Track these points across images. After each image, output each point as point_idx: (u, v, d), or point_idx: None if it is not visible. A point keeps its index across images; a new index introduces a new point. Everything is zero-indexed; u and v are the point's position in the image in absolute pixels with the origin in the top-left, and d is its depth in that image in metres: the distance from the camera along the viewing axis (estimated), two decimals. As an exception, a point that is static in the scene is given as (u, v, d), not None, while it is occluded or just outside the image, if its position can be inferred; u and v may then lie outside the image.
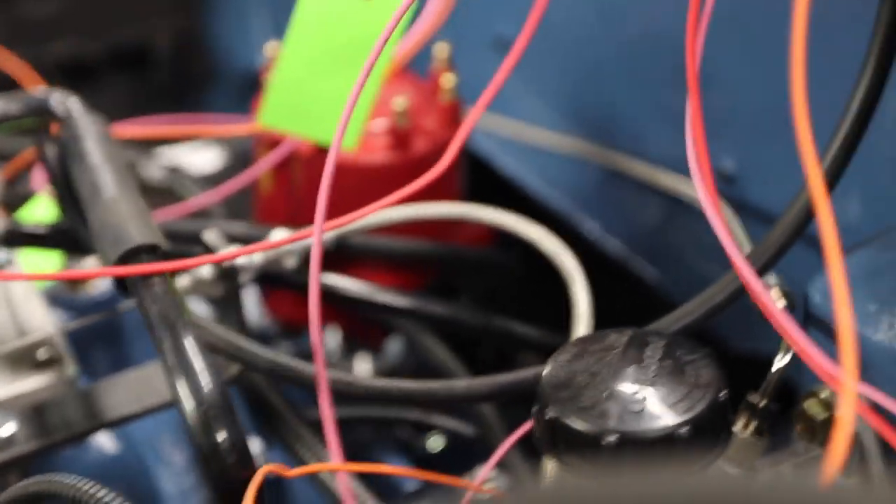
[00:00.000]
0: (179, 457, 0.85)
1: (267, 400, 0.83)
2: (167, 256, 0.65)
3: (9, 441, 0.68)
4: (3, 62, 1.04)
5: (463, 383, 0.76)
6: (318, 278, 0.65)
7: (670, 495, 0.26)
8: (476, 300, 0.92)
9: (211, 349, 0.62)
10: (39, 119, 0.78)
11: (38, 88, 0.80)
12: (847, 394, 0.44)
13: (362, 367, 0.96)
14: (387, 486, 0.84)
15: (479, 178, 1.04)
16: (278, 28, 1.33)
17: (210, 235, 0.80)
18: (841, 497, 0.25)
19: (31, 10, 1.37)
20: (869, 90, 0.60)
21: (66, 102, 0.77)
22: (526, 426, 0.77)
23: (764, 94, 0.83)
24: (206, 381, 0.59)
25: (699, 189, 0.62)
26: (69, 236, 0.78)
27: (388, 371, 0.97)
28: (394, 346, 0.96)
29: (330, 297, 0.81)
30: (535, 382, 0.61)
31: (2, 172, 0.75)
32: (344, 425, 0.66)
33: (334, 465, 0.66)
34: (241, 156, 1.14)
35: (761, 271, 0.63)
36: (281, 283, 0.86)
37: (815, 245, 0.70)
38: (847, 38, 0.60)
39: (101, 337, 0.88)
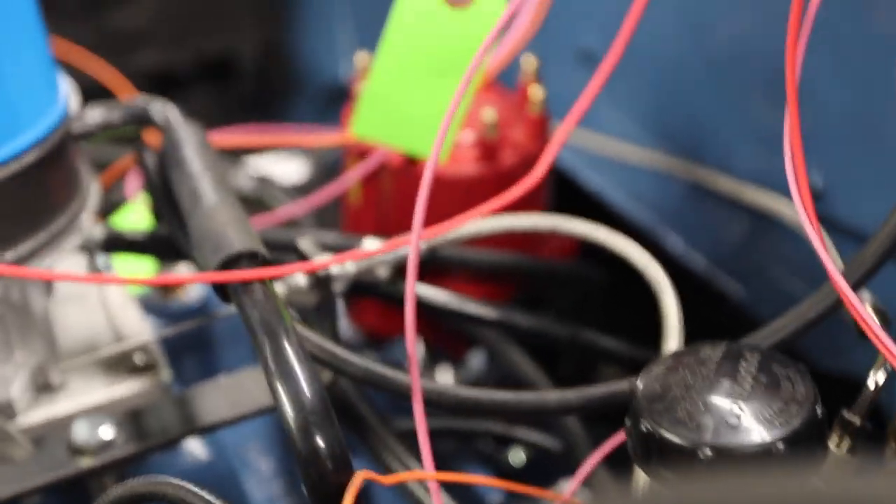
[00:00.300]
0: (266, 465, 0.85)
1: (354, 408, 0.83)
2: (267, 263, 0.66)
3: (108, 444, 0.69)
4: (94, 71, 1.06)
5: (555, 395, 0.75)
6: (413, 288, 0.66)
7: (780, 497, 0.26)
8: (561, 312, 0.92)
9: (308, 356, 0.63)
10: (138, 126, 0.80)
11: (136, 97, 0.81)
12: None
13: (444, 378, 0.97)
14: (471, 498, 0.85)
15: (563, 191, 1.04)
16: (363, 39, 1.34)
17: (305, 244, 0.80)
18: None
19: (120, 21, 1.38)
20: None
21: (165, 111, 0.78)
22: (613, 441, 0.77)
23: (854, 108, 0.82)
24: (307, 386, 0.59)
25: (797, 204, 0.62)
26: (166, 243, 0.79)
27: (470, 383, 0.97)
28: (476, 359, 0.96)
29: (419, 307, 0.82)
30: (628, 395, 0.61)
31: (102, 181, 0.76)
32: (429, 436, 0.67)
33: (427, 473, 0.66)
34: (327, 166, 1.14)
35: (856, 287, 0.63)
36: (371, 292, 0.86)
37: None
38: None
39: (191, 344, 0.89)
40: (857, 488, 0.26)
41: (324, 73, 1.42)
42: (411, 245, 0.65)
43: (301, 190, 1.06)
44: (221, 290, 0.66)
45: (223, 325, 0.88)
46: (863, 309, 0.57)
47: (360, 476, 0.58)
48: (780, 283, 0.92)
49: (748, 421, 0.58)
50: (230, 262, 0.65)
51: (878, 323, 0.61)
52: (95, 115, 0.77)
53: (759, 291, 0.94)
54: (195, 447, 0.84)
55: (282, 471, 0.86)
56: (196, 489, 0.59)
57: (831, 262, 0.58)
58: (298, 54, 1.49)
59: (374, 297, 0.89)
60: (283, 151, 1.16)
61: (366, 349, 0.97)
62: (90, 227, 0.74)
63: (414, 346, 0.66)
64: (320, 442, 0.58)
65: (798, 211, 0.62)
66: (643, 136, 1.05)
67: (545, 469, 0.88)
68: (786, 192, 0.87)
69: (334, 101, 1.40)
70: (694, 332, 0.76)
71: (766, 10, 0.89)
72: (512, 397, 0.78)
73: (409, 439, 0.79)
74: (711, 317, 0.94)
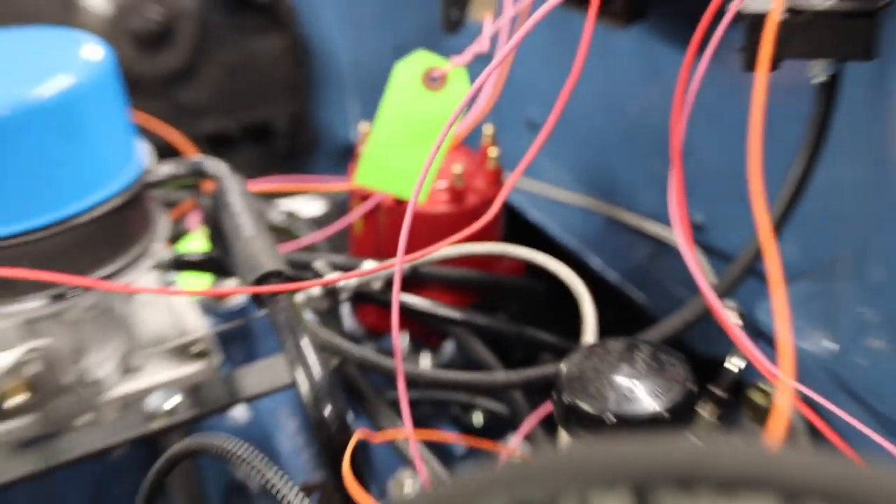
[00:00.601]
0: (292, 424, 0.86)
1: (356, 384, 0.84)
2: (289, 279, 0.67)
3: (174, 411, 0.70)
4: (166, 135, 1.07)
5: (503, 375, 0.77)
6: (398, 297, 0.66)
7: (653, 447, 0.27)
8: (510, 315, 0.93)
9: (320, 346, 0.64)
10: (197, 178, 0.81)
11: (197, 156, 0.82)
12: (784, 388, 0.45)
13: (424, 363, 0.97)
14: (442, 451, 0.85)
15: (512, 224, 1.05)
16: (366, 112, 1.35)
17: (319, 264, 0.81)
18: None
19: (186, 98, 1.39)
20: (805, 165, 0.61)
21: (217, 167, 0.79)
22: (546, 408, 0.78)
23: (725, 164, 0.83)
24: (317, 370, 0.60)
25: (678, 235, 0.63)
26: (217, 263, 0.81)
27: (444, 366, 0.97)
28: (448, 348, 0.96)
29: (403, 310, 0.82)
30: (555, 376, 0.62)
31: (170, 218, 0.77)
32: (411, 404, 0.68)
33: (407, 432, 0.67)
34: (339, 206, 1.15)
35: (722, 296, 0.64)
36: (368, 299, 0.86)
37: (760, 278, 0.71)
38: (789, 125, 0.61)
39: (236, 337, 0.89)
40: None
41: (337, 137, 1.42)
42: (396, 265, 0.65)
43: (318, 223, 1.06)
44: (257, 299, 0.67)
45: (258, 323, 0.89)
46: (725, 312, 0.58)
47: (357, 434, 0.59)
48: (672, 292, 0.93)
49: (641, 395, 0.59)
50: (262, 279, 0.66)
51: (737, 323, 0.63)
52: (166, 169, 0.78)
53: (657, 298, 0.95)
54: (238, 413, 0.85)
55: (304, 428, 0.86)
56: (236, 442, 0.60)
57: (703, 278, 0.60)
58: (319, 123, 1.49)
59: (372, 303, 0.90)
60: (306, 194, 1.16)
61: (366, 341, 0.98)
62: (161, 251, 0.74)
63: (398, 339, 0.67)
64: (327, 410, 0.59)
65: (679, 241, 0.63)
66: (572, 182, 1.06)
67: (497, 429, 0.88)
68: (675, 226, 0.89)
69: (345, 158, 1.41)
70: (608, 327, 0.77)
71: (660, 93, 0.90)
72: (473, 376, 0.79)
73: (395, 408, 0.80)
74: (622, 317, 0.95)
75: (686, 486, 0.25)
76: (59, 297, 0.68)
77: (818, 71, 0.59)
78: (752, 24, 0.57)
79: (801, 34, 0.56)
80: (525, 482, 0.27)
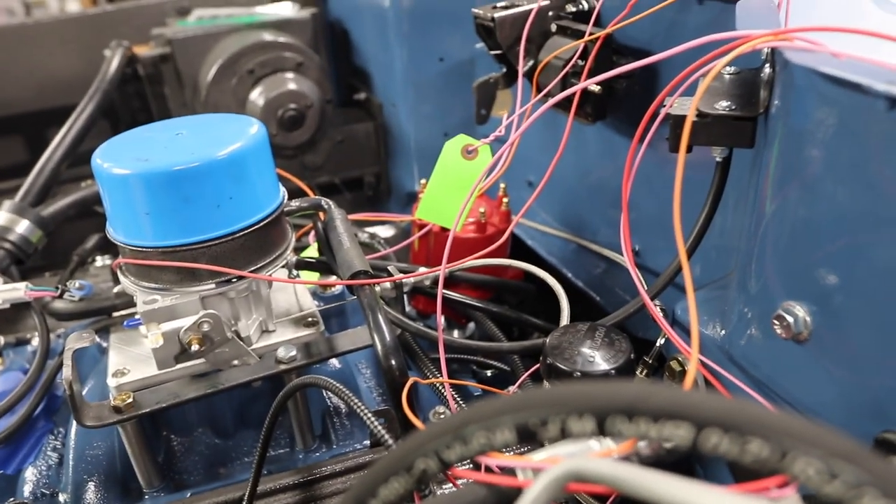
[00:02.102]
0: (368, 371, 0.85)
1: (410, 347, 0.84)
2: (371, 276, 0.67)
3: (293, 359, 0.69)
4: (298, 184, 1.06)
5: (506, 345, 0.76)
6: (441, 291, 0.66)
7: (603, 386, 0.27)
8: (512, 306, 0.92)
9: (389, 321, 0.63)
10: (315, 210, 0.81)
11: (315, 197, 0.82)
12: (693, 359, 0.44)
13: (455, 335, 0.97)
14: (464, 394, 0.84)
15: (515, 247, 1.05)
16: (423, 172, 1.35)
17: (391, 267, 0.81)
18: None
19: (309, 161, 1.40)
20: (709, 213, 0.60)
21: (328, 202, 0.79)
22: (534, 368, 0.78)
23: (655, 212, 0.83)
24: (387, 335, 0.60)
25: (625, 258, 0.62)
26: (324, 265, 0.80)
27: (468, 338, 0.97)
28: (470, 326, 0.96)
29: (443, 300, 0.82)
30: (542, 346, 0.61)
31: (295, 235, 0.77)
32: (445, 362, 0.67)
33: (444, 379, 0.67)
34: (404, 231, 1.15)
35: (652, 298, 0.63)
36: (420, 292, 0.86)
37: (678, 286, 0.70)
38: (698, 187, 0.60)
39: (333, 314, 0.88)
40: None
41: (404, 188, 1.43)
42: (441, 270, 0.65)
43: (390, 242, 1.07)
44: (350, 288, 0.67)
45: (352, 304, 0.88)
46: (655, 309, 0.57)
47: (411, 379, 0.59)
48: (618, 296, 0.92)
49: (599, 360, 0.58)
50: (354, 275, 0.65)
51: (659, 315, 0.61)
52: (295, 203, 0.78)
53: (608, 299, 0.94)
54: (333, 362, 0.84)
55: (375, 375, 0.85)
56: (333, 381, 0.60)
57: (641, 286, 0.59)
58: (392, 179, 1.50)
59: (422, 294, 0.89)
60: (384, 223, 1.17)
61: (418, 319, 0.98)
62: (290, 256, 0.74)
63: (441, 318, 0.67)
64: (393, 362, 0.59)
65: (626, 261, 0.63)
66: (554, 222, 1.05)
67: (502, 381, 0.87)
68: (621, 250, 0.88)
69: (408, 202, 1.41)
70: (577, 316, 0.76)
71: (613, 165, 0.89)
72: (488, 344, 0.79)
73: (436, 364, 0.79)
74: (585, 310, 0.94)
75: (630, 414, 0.24)
76: (224, 283, 0.68)
77: (718, 153, 0.58)
78: (675, 122, 0.56)
79: (705, 130, 0.56)
80: (524, 410, 0.26)
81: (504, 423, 0.26)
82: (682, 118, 0.54)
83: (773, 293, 0.52)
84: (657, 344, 0.65)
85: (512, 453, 0.37)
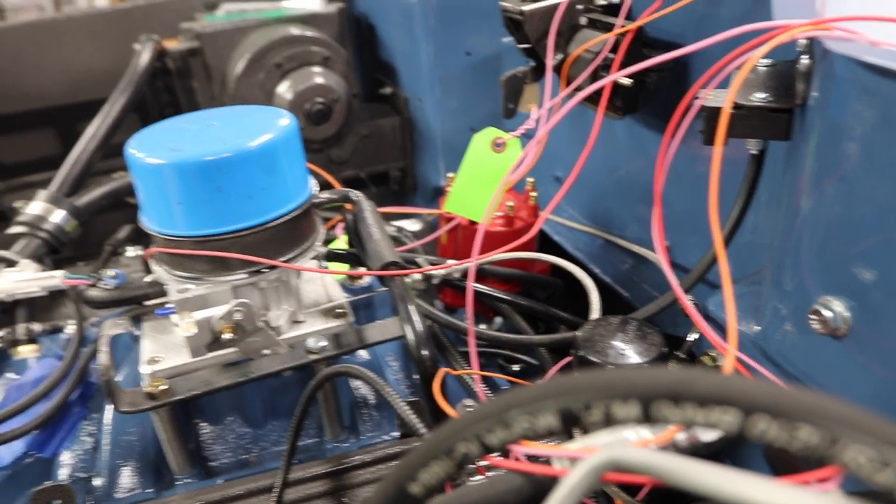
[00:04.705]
0: (395, 363, 0.85)
1: (439, 339, 0.84)
2: (402, 267, 0.67)
3: (322, 349, 0.69)
4: (326, 178, 1.07)
5: (537, 337, 0.76)
6: (472, 283, 0.66)
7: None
8: (539, 300, 0.92)
9: (420, 312, 0.64)
10: (344, 202, 0.81)
11: (344, 189, 0.82)
12: (730, 353, 0.44)
13: (482, 328, 0.97)
14: (493, 386, 0.84)
15: (542, 242, 1.04)
16: (448, 166, 1.35)
17: (420, 259, 0.81)
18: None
19: (336, 154, 1.40)
20: (742, 207, 0.59)
21: (357, 194, 0.80)
22: (563, 362, 0.77)
23: (686, 207, 0.82)
24: (419, 326, 0.60)
25: (658, 253, 0.62)
26: (353, 256, 0.80)
27: (495, 331, 0.97)
28: (497, 321, 0.96)
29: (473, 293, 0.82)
30: (572, 339, 0.61)
31: (325, 227, 0.77)
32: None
33: (473, 371, 0.67)
34: (430, 225, 1.15)
35: (686, 292, 0.63)
36: (449, 285, 0.86)
37: (708, 282, 0.69)
38: (732, 181, 0.60)
39: (361, 306, 0.88)
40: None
41: (429, 183, 1.43)
42: (472, 263, 0.65)
43: (417, 235, 1.07)
44: (381, 279, 0.67)
45: (379, 297, 0.88)
46: (688, 303, 0.57)
47: (441, 371, 0.59)
48: (646, 292, 0.91)
49: (631, 354, 0.58)
50: (385, 266, 0.66)
51: (694, 310, 0.61)
52: (324, 196, 0.78)
53: (636, 294, 0.93)
54: (362, 353, 0.84)
55: (402, 367, 0.85)
56: (362, 369, 0.60)
57: (674, 279, 0.58)
58: (418, 173, 1.50)
59: (450, 287, 0.89)
60: (411, 217, 1.17)
61: (445, 313, 0.97)
62: (319, 247, 0.74)
63: (472, 310, 0.67)
64: (424, 352, 0.59)
65: (658, 257, 0.62)
66: (582, 218, 1.05)
67: (530, 375, 0.87)
68: (651, 247, 0.87)
69: (434, 196, 1.41)
70: (603, 312, 0.76)
71: (642, 160, 0.89)
72: (518, 337, 0.78)
73: (465, 357, 0.79)
74: (612, 307, 0.93)
75: (676, 399, 0.24)
76: (255, 272, 0.68)
77: (753, 146, 0.58)
78: (710, 114, 0.56)
79: (741, 122, 0.55)
80: (567, 395, 0.26)
81: (547, 408, 0.26)
82: (717, 110, 0.54)
83: (808, 288, 0.52)
84: (688, 339, 0.64)
85: (544, 443, 0.37)
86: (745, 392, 0.23)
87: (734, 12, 0.70)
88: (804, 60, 0.53)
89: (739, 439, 0.30)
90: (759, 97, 0.54)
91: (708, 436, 0.37)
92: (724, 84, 0.57)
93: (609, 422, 0.26)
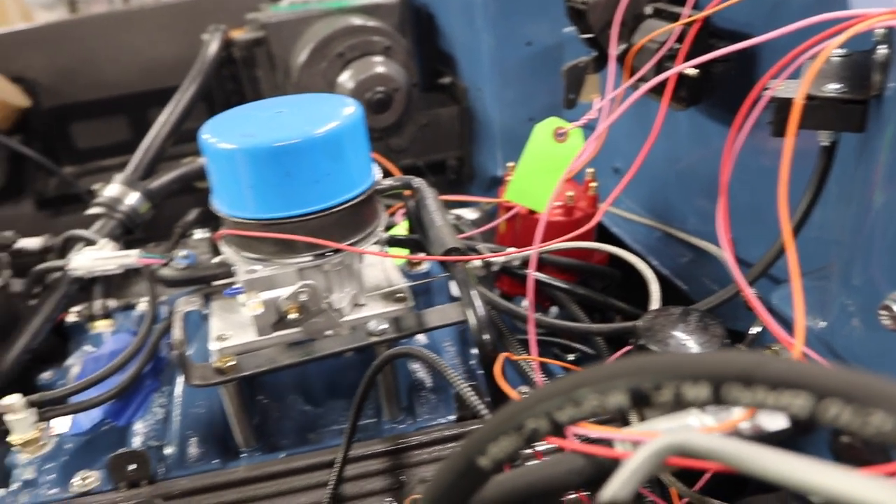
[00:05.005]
0: (451, 348, 0.86)
1: (497, 325, 0.84)
2: (462, 254, 0.68)
3: (383, 332, 0.70)
4: (386, 165, 1.07)
5: (597, 325, 0.75)
6: (533, 270, 0.67)
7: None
8: (597, 289, 0.92)
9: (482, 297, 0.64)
10: (405, 188, 0.82)
11: (403, 176, 0.83)
12: (797, 346, 0.44)
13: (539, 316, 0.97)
14: (549, 374, 0.84)
15: (602, 233, 1.04)
16: (505, 156, 1.35)
17: (480, 246, 0.82)
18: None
19: (395, 143, 1.42)
20: (811, 200, 0.59)
21: (419, 181, 0.81)
22: (620, 352, 0.77)
23: (749, 200, 0.81)
24: (481, 310, 0.61)
25: (723, 245, 0.61)
26: (414, 242, 0.82)
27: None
28: (553, 311, 0.96)
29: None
30: (631, 329, 0.61)
31: (386, 213, 0.78)
32: (527, 343, 0.67)
33: (532, 357, 0.67)
34: (487, 214, 1.16)
35: (750, 285, 0.62)
36: (507, 273, 0.87)
37: (769, 277, 0.68)
38: (799, 171, 0.59)
39: (420, 291, 0.89)
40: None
41: (486, 172, 1.43)
42: (534, 251, 0.66)
43: (475, 224, 1.07)
44: (442, 265, 0.68)
45: (437, 283, 0.89)
46: (753, 296, 0.56)
47: (502, 355, 0.60)
48: (706, 285, 0.90)
49: (692, 346, 0.58)
50: (447, 252, 0.67)
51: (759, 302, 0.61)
52: (386, 182, 0.79)
53: (694, 288, 0.92)
54: (420, 338, 0.85)
55: (459, 352, 0.86)
56: (426, 350, 0.62)
57: (738, 271, 0.58)
58: (475, 163, 1.51)
59: (508, 275, 0.90)
60: (468, 206, 1.17)
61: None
62: (381, 233, 0.75)
63: (532, 297, 0.67)
64: (486, 336, 0.60)
65: (723, 250, 0.61)
66: (641, 210, 1.04)
67: (586, 363, 0.87)
68: (711, 240, 0.86)
69: (490, 186, 1.42)
70: (663, 304, 0.76)
71: (703, 152, 0.88)
72: (576, 325, 0.78)
73: (522, 344, 0.80)
74: (669, 300, 0.92)
75: (747, 381, 0.25)
76: (320, 255, 0.70)
77: (824, 138, 0.57)
78: (780, 105, 0.55)
79: (812, 113, 0.54)
80: (638, 374, 0.27)
81: (618, 387, 0.27)
82: (788, 101, 0.53)
83: (879, 284, 0.51)
84: (751, 333, 0.63)
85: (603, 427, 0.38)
86: (817, 376, 0.24)
87: (806, 3, 0.68)
88: (882, 50, 0.52)
89: (810, 424, 0.30)
90: (832, 88, 0.53)
91: (773, 425, 0.37)
92: (795, 75, 0.56)
93: (679, 403, 0.27)
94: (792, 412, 0.25)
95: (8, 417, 0.73)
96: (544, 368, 0.80)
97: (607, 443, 0.38)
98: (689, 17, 0.74)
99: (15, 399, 0.73)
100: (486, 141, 1.41)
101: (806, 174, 0.59)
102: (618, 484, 0.31)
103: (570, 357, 0.88)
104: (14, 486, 0.73)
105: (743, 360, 0.25)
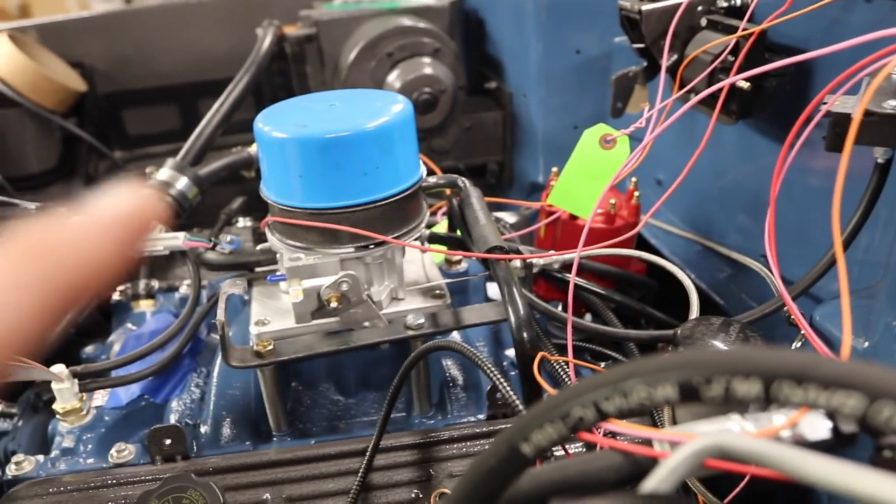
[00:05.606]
0: (485, 347, 0.86)
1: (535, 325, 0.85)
2: (505, 253, 0.69)
3: (420, 326, 0.72)
4: (431, 166, 1.08)
5: (635, 332, 0.74)
6: (575, 273, 0.67)
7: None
8: (634, 297, 0.91)
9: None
10: (450, 187, 0.83)
11: (446, 174, 0.84)
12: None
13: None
14: (582, 375, 0.84)
15: (640, 243, 1.04)
16: (547, 163, 1.35)
17: (522, 248, 0.83)
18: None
19: (438, 144, 1.43)
20: (862, 216, 0.58)
21: (463, 180, 0.81)
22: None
23: (793, 218, 0.80)
24: (523, 309, 0.62)
25: (770, 259, 0.60)
26: (455, 240, 0.83)
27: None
28: (588, 316, 0.96)
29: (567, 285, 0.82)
30: (673, 336, 0.61)
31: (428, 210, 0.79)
32: (561, 347, 0.67)
33: (570, 359, 0.67)
34: (527, 219, 1.16)
35: (794, 299, 0.62)
36: (546, 276, 0.87)
37: (810, 296, 0.67)
38: (854, 188, 0.58)
39: (457, 290, 0.88)
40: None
41: (527, 177, 1.44)
42: (577, 254, 0.66)
43: (515, 227, 1.08)
44: (485, 263, 0.69)
45: (474, 283, 0.89)
46: (796, 310, 0.56)
47: (540, 354, 0.60)
48: (744, 301, 0.90)
49: (729, 354, 0.58)
50: (489, 251, 0.67)
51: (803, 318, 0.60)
52: (431, 180, 0.80)
53: (732, 303, 0.92)
54: (454, 335, 0.85)
55: (491, 352, 0.86)
56: (464, 344, 0.62)
57: (782, 286, 0.58)
58: (516, 168, 1.51)
59: (547, 279, 0.89)
60: (508, 209, 1.18)
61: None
62: (423, 230, 0.76)
63: (571, 300, 0.67)
64: (526, 335, 0.60)
65: (771, 267, 0.61)
66: (681, 223, 1.03)
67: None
68: (750, 255, 0.85)
69: (531, 191, 1.42)
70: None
71: (749, 167, 0.87)
72: (614, 330, 0.79)
73: (558, 347, 0.80)
74: (707, 312, 0.92)
75: (799, 379, 0.25)
76: (363, 247, 0.71)
77: (879, 154, 0.56)
78: (836, 120, 0.55)
79: (869, 129, 0.54)
80: (689, 368, 0.27)
81: (667, 379, 0.27)
82: (845, 116, 0.53)
83: (928, 305, 0.50)
84: (792, 347, 0.63)
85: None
86: (871, 376, 0.24)
87: (867, 18, 0.68)
88: (944, 69, 0.51)
89: (854, 435, 0.30)
90: (892, 104, 0.52)
91: (814, 435, 0.37)
92: (852, 91, 0.56)
93: (728, 398, 0.27)
94: (844, 413, 0.25)
95: (55, 385, 0.75)
96: (577, 373, 0.80)
97: (646, 442, 0.38)
98: (746, 29, 0.74)
99: (60, 368, 0.76)
100: (528, 147, 1.41)
101: (852, 195, 0.58)
102: (657, 480, 0.32)
103: (603, 364, 0.87)
104: (54, 454, 0.76)
105: (797, 357, 0.25)
